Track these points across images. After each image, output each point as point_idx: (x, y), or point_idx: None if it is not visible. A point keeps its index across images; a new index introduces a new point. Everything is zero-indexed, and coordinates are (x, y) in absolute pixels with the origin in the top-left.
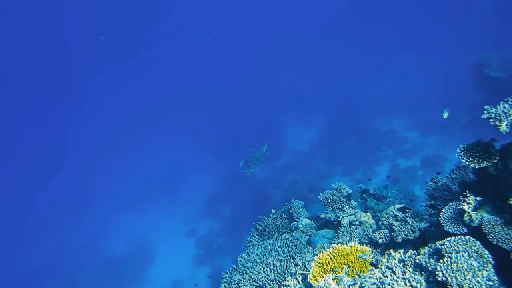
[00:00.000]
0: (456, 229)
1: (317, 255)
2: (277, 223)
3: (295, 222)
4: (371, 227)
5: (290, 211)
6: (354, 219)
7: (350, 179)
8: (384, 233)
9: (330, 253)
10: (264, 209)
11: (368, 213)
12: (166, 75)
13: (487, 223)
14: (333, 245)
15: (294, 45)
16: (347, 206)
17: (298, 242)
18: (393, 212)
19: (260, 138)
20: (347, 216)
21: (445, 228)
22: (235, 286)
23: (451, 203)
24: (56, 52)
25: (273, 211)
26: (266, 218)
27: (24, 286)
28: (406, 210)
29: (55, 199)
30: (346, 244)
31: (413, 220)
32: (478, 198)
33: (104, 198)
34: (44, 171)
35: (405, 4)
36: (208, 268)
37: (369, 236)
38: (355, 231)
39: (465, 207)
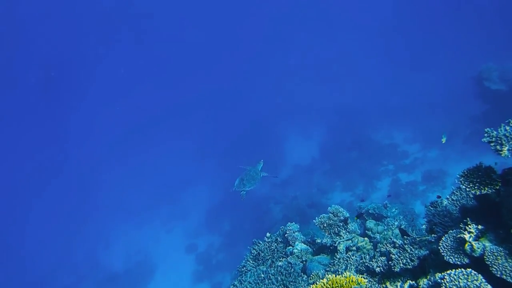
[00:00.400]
0: (456, 259)
1: (311, 284)
2: (272, 247)
3: (291, 247)
4: (368, 254)
5: (286, 235)
6: (351, 244)
7: (350, 195)
8: (381, 261)
9: (324, 285)
10: (263, 225)
11: (366, 238)
12: (166, 85)
13: (489, 254)
14: (327, 275)
15: (292, 54)
16: (343, 231)
17: (292, 270)
18: (391, 239)
19: (261, 150)
20: (343, 241)
21: (445, 258)
22: None
23: (451, 231)
24: (56, 55)
25: (268, 234)
26: (261, 242)
27: None
28: (405, 237)
29: (54, 209)
30: (341, 273)
31: (411, 247)
32: (479, 227)
33: (104, 209)
34: (43, 181)
35: (404, 15)
36: (208, 285)
37: (366, 264)
38: (352, 257)
39: (466, 236)
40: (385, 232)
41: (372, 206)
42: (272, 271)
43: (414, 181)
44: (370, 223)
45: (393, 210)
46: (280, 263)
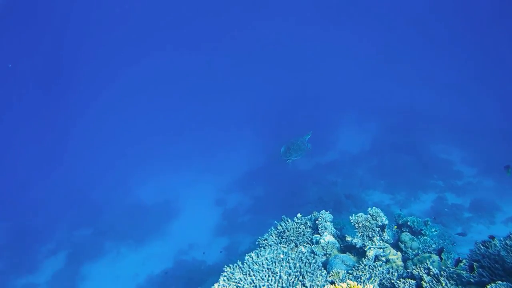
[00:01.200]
0: None
1: (329, 283)
2: (299, 229)
3: (318, 236)
4: (397, 270)
5: (316, 222)
6: (382, 254)
7: (390, 198)
8: (410, 284)
9: None
10: (296, 201)
11: (398, 253)
12: (227, 45)
13: None
14: (348, 280)
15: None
16: (378, 237)
17: (314, 261)
18: (427, 264)
19: (311, 126)
20: (375, 248)
21: None
22: (234, 284)
23: (500, 282)
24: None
25: (299, 215)
26: (289, 220)
27: (54, 206)
28: (443, 267)
29: (106, 142)
30: (364, 282)
31: (447, 281)
32: None
33: (147, 150)
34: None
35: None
36: (227, 241)
37: (393, 281)
38: (379, 268)
39: None
40: (421, 254)
41: (411, 219)
42: (293, 255)
43: (461, 205)
44: (406, 236)
45: (433, 230)
46: (303, 249)
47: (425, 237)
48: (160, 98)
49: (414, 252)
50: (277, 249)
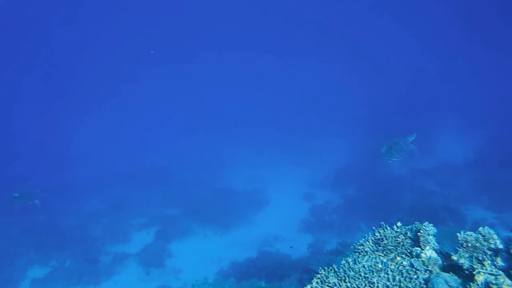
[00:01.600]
0: None
1: None
2: (398, 239)
3: (419, 249)
4: None
5: (418, 234)
6: (493, 282)
7: (494, 217)
8: None
9: None
10: (388, 207)
11: None
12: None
13: None
14: None
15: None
16: (489, 262)
17: (415, 276)
18: None
19: (411, 128)
20: (485, 273)
21: None
22: None
23: None
24: None
25: (399, 224)
26: (388, 228)
27: (148, 183)
28: None
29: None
30: None
31: None
32: None
33: (242, 137)
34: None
35: None
36: (312, 238)
37: None
38: None
39: None
40: None
41: None
42: (392, 267)
43: None
44: None
45: None
46: (404, 262)
47: None
48: (263, 92)
49: None
50: (375, 258)
